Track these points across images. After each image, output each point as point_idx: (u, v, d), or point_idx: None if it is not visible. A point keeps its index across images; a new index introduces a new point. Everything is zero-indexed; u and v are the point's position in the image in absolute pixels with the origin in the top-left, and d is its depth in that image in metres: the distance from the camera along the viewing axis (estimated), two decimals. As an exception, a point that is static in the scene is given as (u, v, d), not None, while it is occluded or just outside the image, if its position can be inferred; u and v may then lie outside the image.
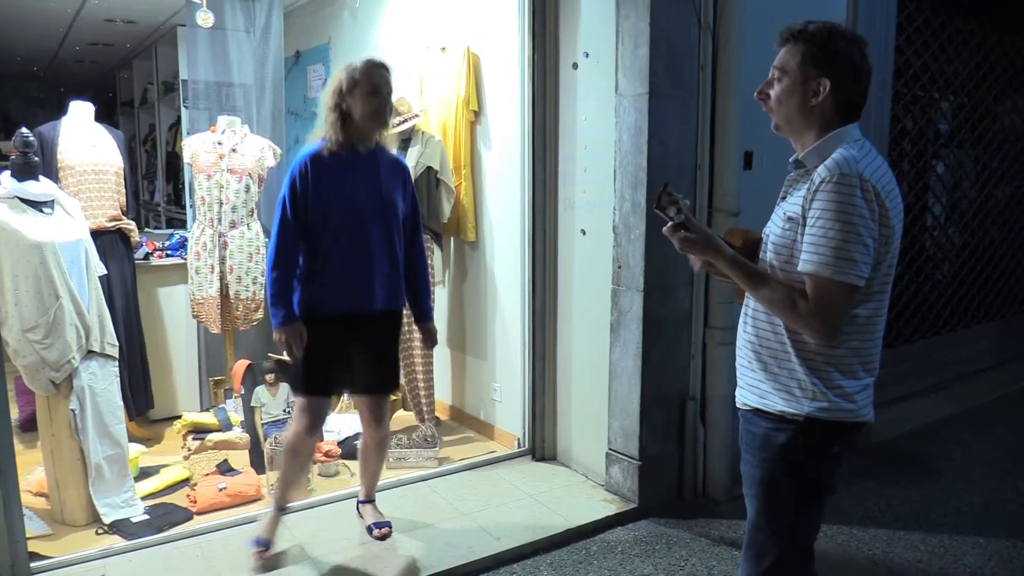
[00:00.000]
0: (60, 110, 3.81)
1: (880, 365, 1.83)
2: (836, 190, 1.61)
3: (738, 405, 1.92)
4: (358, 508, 3.13)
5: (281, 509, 2.90)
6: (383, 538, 2.94)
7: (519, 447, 3.80)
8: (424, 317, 2.96)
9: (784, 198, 1.80)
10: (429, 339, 3.00)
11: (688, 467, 3.38)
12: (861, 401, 1.76)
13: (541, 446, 3.75)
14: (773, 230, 1.78)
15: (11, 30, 6.28)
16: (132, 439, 3.75)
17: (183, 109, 5.02)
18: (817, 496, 1.82)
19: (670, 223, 1.74)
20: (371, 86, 2.61)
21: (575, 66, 3.37)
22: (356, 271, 2.68)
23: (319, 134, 2.69)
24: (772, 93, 1.77)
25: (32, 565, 2.62)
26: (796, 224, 1.70)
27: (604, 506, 3.27)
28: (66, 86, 9.04)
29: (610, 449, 3.38)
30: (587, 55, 3.30)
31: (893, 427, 4.22)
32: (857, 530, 3.20)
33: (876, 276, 1.69)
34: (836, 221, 1.61)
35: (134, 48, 7.06)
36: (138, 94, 7.72)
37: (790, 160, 1.80)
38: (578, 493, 3.40)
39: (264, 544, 2.80)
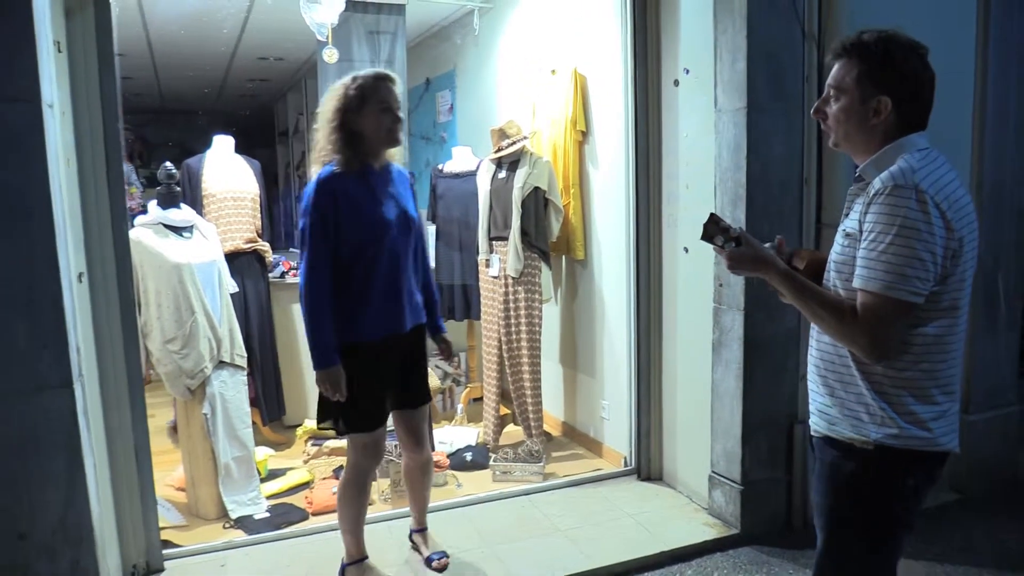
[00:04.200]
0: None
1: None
2: (890, 202, 1.54)
3: (811, 433, 1.84)
4: (411, 538, 3.02)
5: (357, 562, 2.78)
6: (442, 569, 2.84)
7: (625, 466, 3.78)
8: (438, 329, 2.84)
9: (847, 215, 1.73)
10: (445, 350, 2.88)
11: (797, 495, 3.22)
12: (939, 429, 1.65)
13: (647, 466, 3.70)
14: (834, 248, 1.72)
15: (183, 70, 7.03)
16: (266, 443, 4.09)
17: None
18: (890, 532, 1.71)
19: (719, 250, 1.73)
20: (382, 103, 2.45)
21: (676, 83, 3.34)
22: (392, 293, 2.56)
23: (322, 156, 2.50)
24: (830, 112, 1.70)
25: (164, 552, 2.92)
26: (854, 240, 1.63)
27: (704, 530, 3.19)
28: (232, 118, 9.97)
29: (713, 472, 3.29)
30: (687, 71, 3.27)
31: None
32: (989, 574, 2.92)
33: (944, 291, 1.59)
34: (888, 235, 1.53)
35: (287, 82, 7.69)
36: (291, 124, 8.38)
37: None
38: (679, 515, 3.34)
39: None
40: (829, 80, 1.71)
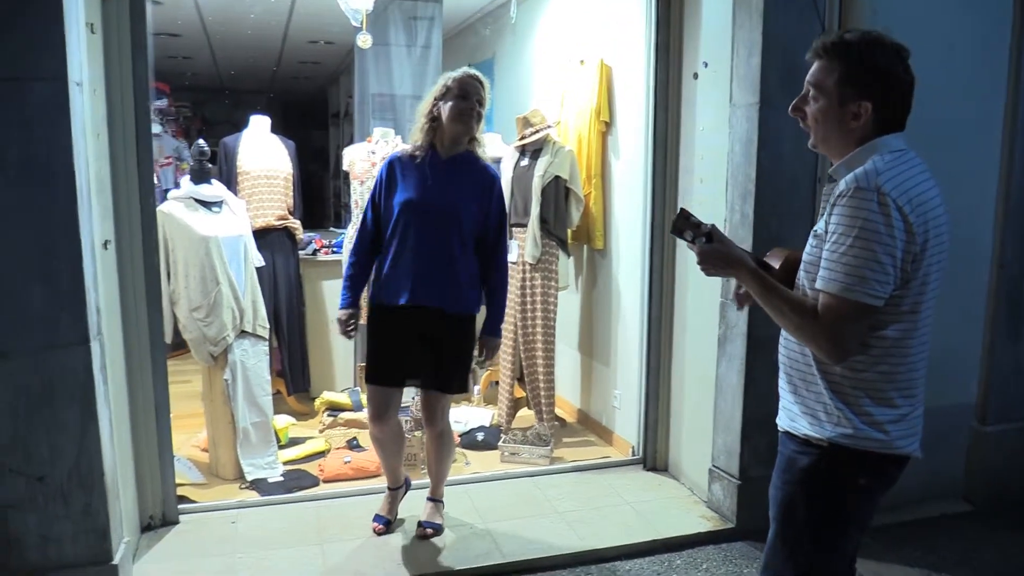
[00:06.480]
0: (280, 121, 4.39)
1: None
2: (852, 204, 1.55)
3: (778, 427, 1.87)
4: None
5: (391, 489, 3.14)
6: (423, 537, 3.00)
7: (633, 455, 3.83)
8: (485, 331, 2.97)
9: (821, 215, 1.74)
10: (486, 352, 3.00)
11: (796, 493, 3.23)
12: (895, 432, 1.66)
13: (653, 456, 3.74)
14: (806, 249, 1.73)
15: (238, 51, 7.26)
16: (291, 413, 4.27)
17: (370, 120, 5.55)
18: (840, 528, 1.73)
19: (690, 245, 1.76)
20: (461, 90, 2.75)
21: (695, 76, 3.35)
22: (404, 266, 2.79)
23: (412, 139, 2.88)
24: (808, 111, 1.70)
25: (179, 507, 3.10)
26: (821, 240, 1.64)
27: (700, 522, 3.22)
28: (288, 99, 10.25)
29: (713, 466, 3.32)
30: (706, 65, 3.27)
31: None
32: (986, 583, 2.90)
33: (905, 295, 1.59)
34: (849, 237, 1.55)
35: (338, 65, 7.87)
36: (342, 106, 8.57)
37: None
38: (678, 506, 3.37)
39: (383, 521, 3.05)
40: (809, 78, 1.69)
